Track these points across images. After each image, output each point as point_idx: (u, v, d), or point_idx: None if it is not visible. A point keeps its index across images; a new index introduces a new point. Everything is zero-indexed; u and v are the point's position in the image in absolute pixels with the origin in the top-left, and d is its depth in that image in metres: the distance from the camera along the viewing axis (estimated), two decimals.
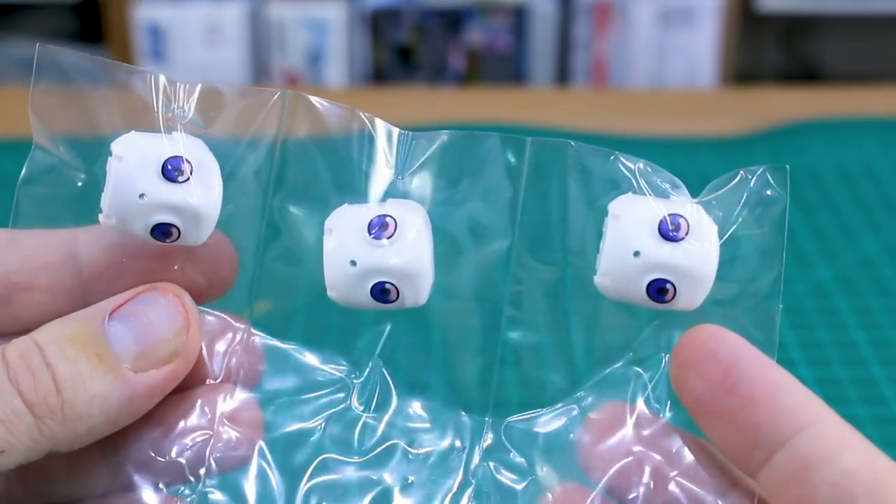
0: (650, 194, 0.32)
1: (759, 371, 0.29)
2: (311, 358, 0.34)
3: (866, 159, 0.76)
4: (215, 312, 0.34)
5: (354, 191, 0.33)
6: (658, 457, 0.32)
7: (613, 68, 1.62)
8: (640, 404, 0.33)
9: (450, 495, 0.33)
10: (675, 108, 0.88)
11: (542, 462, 0.33)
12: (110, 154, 0.31)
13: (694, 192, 0.33)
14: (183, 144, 0.31)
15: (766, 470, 0.29)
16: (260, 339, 0.34)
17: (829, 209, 0.71)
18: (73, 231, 0.33)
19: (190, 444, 0.32)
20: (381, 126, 0.33)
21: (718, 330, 0.30)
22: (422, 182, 0.33)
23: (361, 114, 0.33)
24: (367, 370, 0.34)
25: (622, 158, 0.32)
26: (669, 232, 0.31)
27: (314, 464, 0.33)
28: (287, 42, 1.58)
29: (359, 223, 0.32)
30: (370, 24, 1.60)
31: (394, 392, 0.34)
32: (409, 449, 0.34)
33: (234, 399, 0.33)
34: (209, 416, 0.33)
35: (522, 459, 0.33)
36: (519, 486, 0.33)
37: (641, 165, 0.32)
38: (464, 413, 0.34)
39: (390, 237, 0.32)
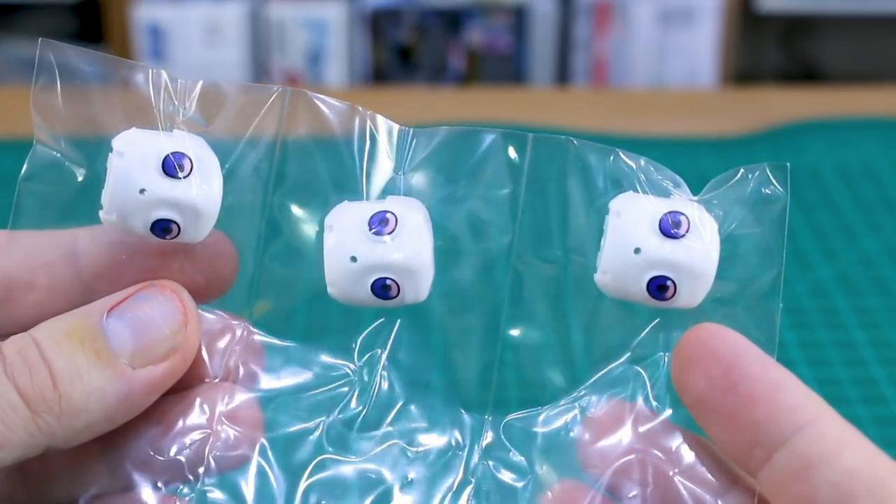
0: (651, 192, 0.32)
1: (759, 370, 0.29)
2: (310, 357, 0.34)
3: (866, 159, 0.76)
4: (215, 312, 0.34)
5: (354, 188, 0.33)
6: (658, 455, 0.32)
7: (613, 68, 1.62)
8: (640, 403, 0.33)
9: (450, 494, 0.33)
10: (675, 108, 0.88)
11: (542, 460, 0.33)
12: (111, 150, 0.31)
13: (694, 192, 0.33)
14: (183, 141, 0.32)
15: (767, 469, 0.29)
16: (260, 337, 0.34)
17: (829, 209, 0.71)
18: (72, 231, 0.33)
19: (189, 442, 0.32)
20: (381, 122, 0.33)
21: (719, 328, 0.30)
22: (422, 179, 0.33)
23: (361, 110, 0.33)
24: (367, 369, 0.34)
25: (623, 156, 0.32)
26: (670, 229, 0.31)
27: (314, 462, 0.33)
28: (287, 42, 1.58)
29: (359, 219, 0.32)
30: (370, 24, 1.60)
31: (394, 391, 0.34)
32: (408, 447, 0.34)
33: (234, 398, 0.33)
34: (208, 414, 0.33)
35: (522, 458, 0.33)
36: (519, 485, 0.33)
37: (642, 163, 0.32)
38: (464, 411, 0.34)
39: (391, 233, 0.32)
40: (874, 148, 0.77)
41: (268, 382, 0.34)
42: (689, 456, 0.31)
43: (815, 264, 0.65)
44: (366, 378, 0.34)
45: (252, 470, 0.33)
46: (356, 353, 0.34)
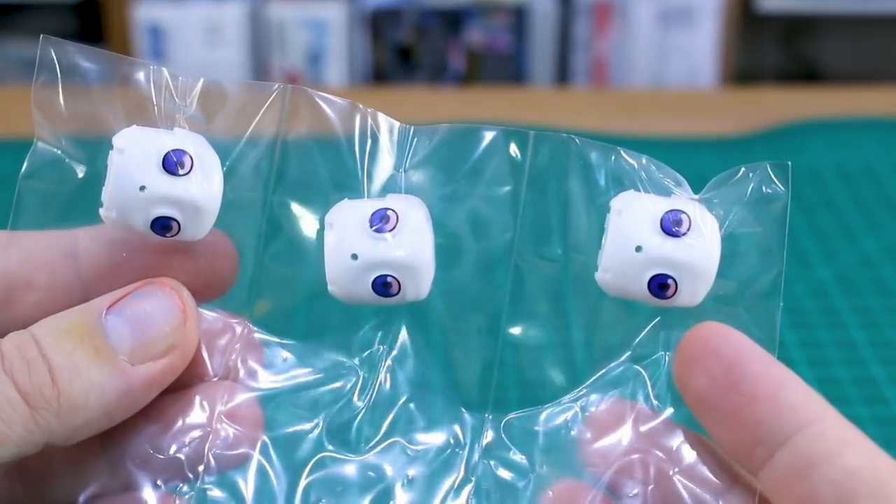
0: (652, 190, 0.32)
1: (761, 368, 0.29)
2: (311, 355, 0.34)
3: (866, 159, 0.76)
4: (215, 311, 0.34)
5: (355, 186, 0.33)
6: (659, 454, 0.32)
7: (613, 68, 1.62)
8: (641, 402, 0.33)
9: (450, 493, 0.33)
10: (675, 108, 0.88)
11: (543, 459, 0.33)
12: (112, 148, 0.31)
13: (694, 192, 0.33)
14: (184, 139, 0.32)
15: (768, 468, 0.29)
16: (260, 336, 0.34)
17: (829, 209, 0.71)
18: (72, 231, 0.33)
19: (189, 441, 0.32)
20: (382, 120, 0.33)
21: (721, 327, 0.30)
22: (422, 176, 0.33)
23: (362, 107, 0.33)
24: (368, 367, 0.34)
25: (625, 154, 0.32)
26: (672, 227, 0.31)
27: (314, 460, 0.33)
28: (287, 42, 1.58)
29: (360, 217, 0.32)
30: (370, 24, 1.60)
31: (394, 389, 0.34)
32: (409, 446, 0.34)
33: (234, 396, 0.33)
34: (208, 413, 0.33)
35: (523, 457, 0.33)
36: (519, 484, 0.33)
37: (644, 161, 0.32)
38: (464, 410, 0.34)
39: (392, 230, 0.32)
40: (874, 148, 0.77)
41: (268, 381, 0.34)
42: (690, 455, 0.31)
43: (815, 264, 0.65)
44: (366, 376, 0.34)
45: (252, 468, 0.33)
46: (356, 352, 0.34)
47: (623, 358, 0.33)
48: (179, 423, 0.33)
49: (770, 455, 0.28)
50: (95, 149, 0.32)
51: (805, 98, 0.91)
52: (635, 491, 0.31)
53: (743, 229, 0.32)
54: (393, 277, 0.32)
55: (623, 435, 0.32)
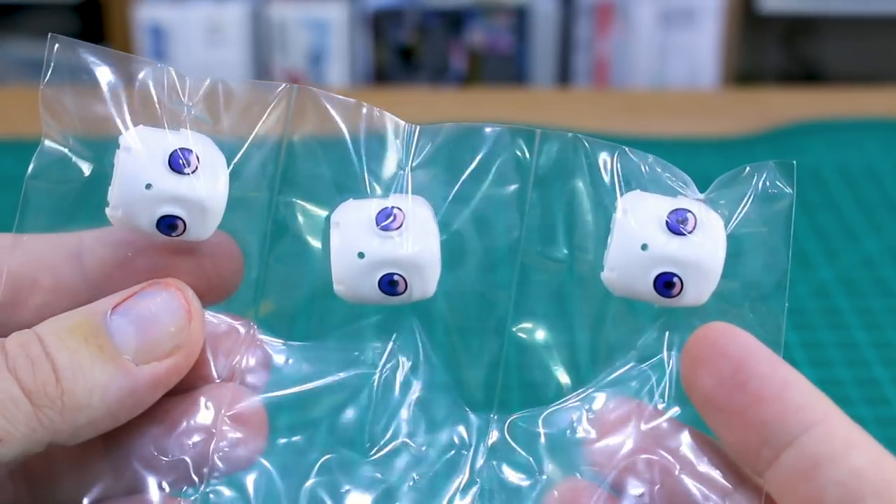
0: (657, 190, 0.32)
1: (768, 369, 0.29)
2: (315, 357, 0.34)
3: (868, 160, 0.76)
4: (220, 313, 0.34)
5: (360, 185, 0.33)
6: (665, 454, 0.32)
7: (615, 69, 1.62)
8: (646, 402, 0.33)
9: (456, 494, 0.33)
10: (677, 109, 0.88)
11: (548, 459, 0.33)
12: (118, 147, 0.31)
13: (698, 192, 0.33)
14: (190, 139, 0.32)
15: (774, 468, 0.29)
16: (265, 338, 0.34)
17: (831, 210, 0.71)
18: (78, 234, 0.33)
19: (194, 443, 0.32)
20: (387, 119, 0.33)
21: (728, 327, 0.30)
22: (428, 175, 0.33)
23: (367, 107, 0.33)
24: (373, 369, 0.34)
25: (630, 153, 0.32)
26: (677, 226, 0.31)
27: (319, 463, 0.33)
28: (288, 42, 1.58)
29: (366, 216, 0.32)
30: (371, 25, 1.60)
31: (399, 390, 0.34)
32: (414, 447, 0.34)
33: (239, 399, 0.33)
34: (213, 415, 0.33)
35: (528, 457, 0.33)
36: (525, 484, 0.33)
37: (650, 161, 0.32)
38: (469, 411, 0.34)
39: (398, 228, 0.32)
40: (876, 149, 0.77)
41: (272, 383, 0.34)
42: (695, 455, 0.31)
43: (817, 265, 0.65)
44: (371, 378, 0.34)
45: (256, 471, 0.33)
46: (361, 353, 0.34)
47: (628, 358, 0.33)
48: (184, 424, 0.32)
49: (776, 455, 0.29)
50: (102, 148, 0.32)
51: (806, 99, 0.91)
52: (641, 491, 0.31)
53: (748, 229, 0.32)
54: (400, 276, 0.32)
55: (628, 435, 0.32)
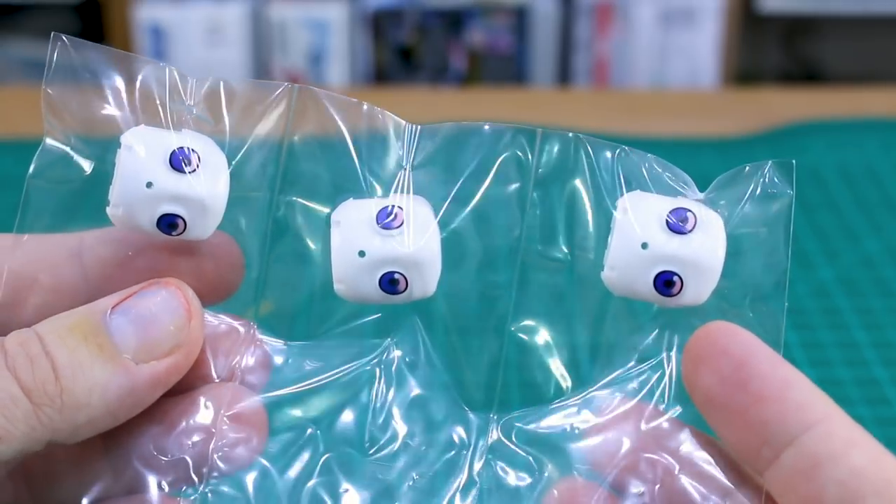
0: (658, 189, 0.32)
1: (769, 368, 0.29)
2: (315, 357, 0.34)
3: (867, 160, 0.76)
4: (220, 313, 0.34)
5: (360, 185, 0.33)
6: (665, 453, 0.32)
7: (614, 69, 1.62)
8: (647, 401, 0.33)
9: (456, 493, 0.33)
10: (677, 109, 0.88)
11: (548, 459, 0.33)
12: (119, 147, 0.31)
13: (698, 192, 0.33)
14: (191, 138, 0.32)
15: (775, 467, 0.29)
16: (265, 338, 0.34)
17: (831, 210, 0.71)
18: (78, 234, 0.33)
19: (193, 442, 0.32)
20: (388, 119, 0.33)
21: (730, 326, 0.30)
22: (428, 175, 0.33)
23: (368, 106, 0.33)
24: (373, 368, 0.34)
25: (631, 153, 0.32)
26: (677, 225, 0.31)
27: (319, 462, 0.33)
28: (288, 42, 1.58)
29: (367, 214, 0.32)
30: (371, 25, 1.60)
31: (399, 390, 0.34)
32: (414, 447, 0.34)
33: (239, 398, 0.33)
34: (213, 415, 0.33)
35: (527, 457, 0.33)
36: (524, 484, 0.33)
37: (651, 161, 0.32)
38: (469, 411, 0.34)
39: (399, 227, 0.32)
40: (875, 149, 0.77)
41: (272, 383, 0.34)
42: (696, 454, 0.31)
43: (816, 265, 0.65)
44: (371, 378, 0.34)
45: (256, 470, 0.33)
46: (361, 353, 0.34)
47: (628, 358, 0.33)
48: (183, 424, 0.32)
49: (776, 455, 0.29)
50: (103, 147, 0.32)
51: (806, 99, 0.91)
52: (641, 490, 0.31)
53: (747, 229, 0.32)
54: (400, 274, 0.32)
55: (629, 434, 0.32)
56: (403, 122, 0.33)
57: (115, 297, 0.31)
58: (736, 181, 0.32)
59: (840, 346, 0.59)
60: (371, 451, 0.34)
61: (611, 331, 0.34)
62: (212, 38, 1.56)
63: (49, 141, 0.32)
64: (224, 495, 0.32)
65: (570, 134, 0.33)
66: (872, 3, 1.66)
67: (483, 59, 1.63)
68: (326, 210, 0.33)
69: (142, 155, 0.31)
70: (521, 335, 0.34)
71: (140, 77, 0.32)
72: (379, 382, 0.34)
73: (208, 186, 0.31)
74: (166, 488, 0.32)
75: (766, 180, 0.32)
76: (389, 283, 0.32)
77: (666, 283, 0.31)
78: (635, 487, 0.32)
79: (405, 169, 0.33)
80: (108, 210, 0.31)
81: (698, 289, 0.32)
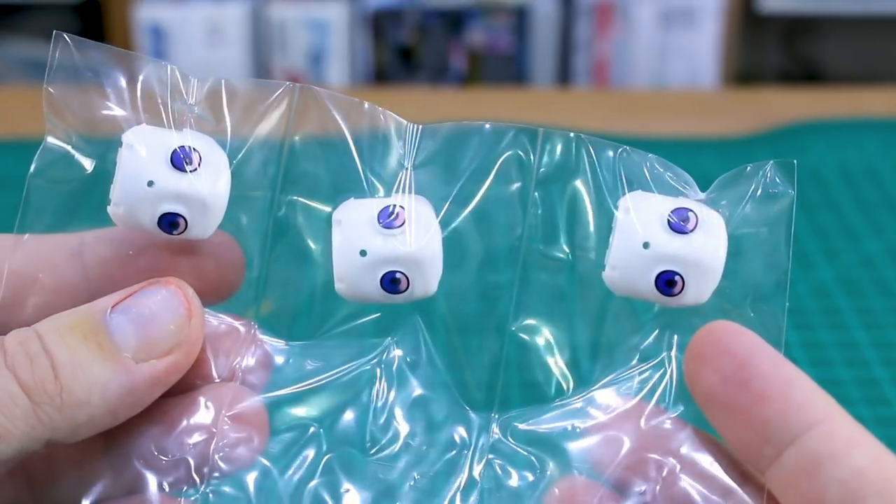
0: (659, 189, 0.32)
1: (771, 368, 0.29)
2: (316, 357, 0.34)
3: (868, 160, 0.76)
4: (220, 313, 0.34)
5: (361, 184, 0.33)
6: (666, 452, 0.32)
7: (615, 69, 1.62)
8: (648, 401, 0.33)
9: (457, 493, 0.33)
10: (677, 109, 0.88)
11: (549, 458, 0.33)
12: (121, 145, 0.31)
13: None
14: (192, 137, 0.32)
15: (776, 466, 0.29)
16: (266, 338, 0.34)
17: (831, 210, 0.71)
18: (79, 234, 0.33)
19: (194, 443, 0.32)
20: (389, 118, 0.33)
21: (733, 326, 0.30)
22: (429, 174, 0.33)
23: (369, 105, 0.33)
24: (374, 368, 0.34)
25: (633, 153, 0.32)
26: (678, 225, 0.31)
27: (320, 463, 0.33)
28: (288, 42, 1.58)
29: (368, 214, 0.32)
30: (371, 25, 1.60)
31: (400, 390, 0.34)
32: (415, 447, 0.34)
33: (240, 398, 0.33)
34: (213, 414, 0.33)
35: (528, 456, 0.33)
36: (525, 483, 0.33)
37: (652, 160, 0.32)
38: (470, 410, 0.34)
39: (400, 226, 0.32)
40: (876, 149, 0.77)
41: (273, 383, 0.34)
42: (697, 453, 0.31)
43: (817, 265, 0.65)
44: (372, 378, 0.34)
45: (257, 470, 0.33)
46: (362, 353, 0.34)
47: (629, 357, 0.33)
48: (184, 424, 0.32)
49: (778, 454, 0.29)
50: (105, 146, 0.32)
51: (806, 99, 0.91)
52: (642, 488, 0.31)
53: (748, 229, 0.32)
54: (402, 273, 0.32)
55: (630, 433, 0.32)
56: (405, 122, 0.33)
57: (116, 297, 0.31)
58: (737, 181, 0.32)
59: (840, 346, 0.59)
60: (372, 451, 0.34)
61: (612, 330, 0.34)
62: (212, 38, 1.56)
63: (50, 140, 0.32)
64: (225, 495, 0.32)
65: (572, 134, 0.33)
66: (872, 3, 1.66)
67: (483, 59, 1.63)
68: (327, 210, 0.33)
69: (143, 154, 0.31)
70: (522, 335, 0.34)
71: (142, 76, 0.32)
72: (380, 382, 0.34)
73: (209, 185, 0.31)
74: (167, 488, 0.32)
75: (768, 180, 0.32)
76: (391, 282, 0.32)
77: (667, 282, 0.31)
78: (636, 486, 0.32)
79: (406, 168, 0.33)
80: (110, 209, 0.31)
81: (699, 288, 0.32)
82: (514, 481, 0.33)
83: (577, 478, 0.32)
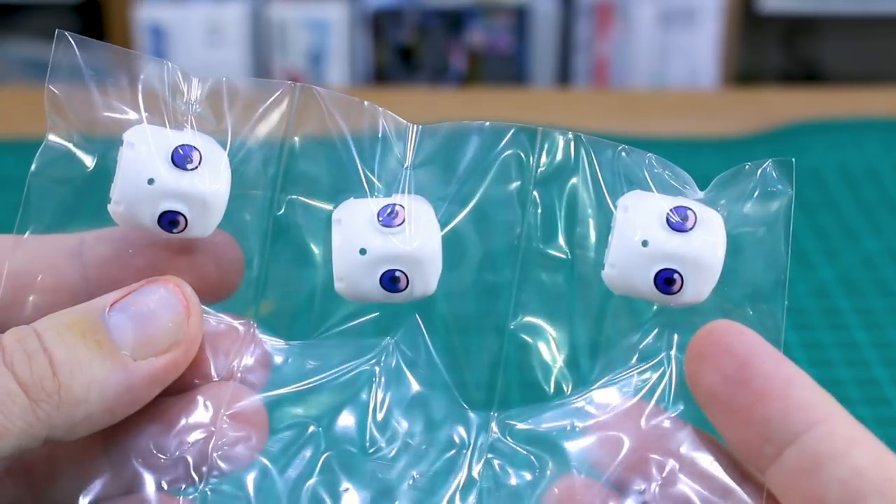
0: (658, 188, 0.32)
1: (772, 367, 0.29)
2: (315, 356, 0.34)
3: (868, 160, 0.76)
4: (220, 312, 0.34)
5: (361, 184, 0.33)
6: (666, 451, 0.32)
7: (615, 69, 1.62)
8: (647, 400, 0.33)
9: (456, 492, 0.33)
10: (677, 109, 0.88)
11: (548, 458, 0.33)
12: (122, 143, 0.31)
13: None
14: (193, 136, 0.32)
15: (776, 465, 0.29)
16: (265, 337, 0.34)
17: (831, 210, 0.71)
18: (79, 234, 0.33)
19: (193, 441, 0.32)
20: (388, 118, 0.33)
21: (734, 325, 0.30)
22: (428, 174, 0.33)
23: (369, 105, 0.33)
24: (373, 368, 0.34)
25: (632, 153, 0.32)
26: (677, 223, 0.31)
27: (319, 462, 0.33)
28: (288, 42, 1.58)
29: (368, 212, 0.32)
30: (371, 25, 1.60)
31: (399, 389, 0.34)
32: (414, 446, 0.34)
33: (239, 397, 0.33)
34: (212, 413, 0.33)
35: (528, 456, 0.33)
36: (524, 482, 0.33)
37: (651, 160, 0.32)
38: (469, 410, 0.34)
39: (400, 224, 0.32)
40: (876, 149, 0.77)
41: (272, 382, 0.34)
42: (697, 452, 0.31)
43: (816, 265, 0.65)
44: (371, 377, 0.34)
45: (256, 469, 0.33)
46: (361, 353, 0.34)
47: (629, 357, 0.33)
48: (183, 423, 0.32)
49: (778, 453, 0.29)
50: (105, 146, 0.32)
51: (806, 99, 0.91)
52: (642, 488, 0.31)
53: (747, 228, 0.32)
54: (401, 272, 0.32)
55: (629, 432, 0.32)
56: (404, 122, 0.33)
57: (114, 295, 0.31)
58: (736, 180, 0.32)
59: (840, 346, 0.59)
60: (371, 451, 0.34)
61: (611, 329, 0.34)
62: (212, 38, 1.56)
63: (52, 138, 0.32)
64: (224, 494, 0.32)
65: (571, 133, 0.33)
66: (872, 3, 1.66)
67: (483, 59, 1.63)
68: (327, 209, 0.33)
69: (144, 152, 0.31)
70: (521, 334, 0.34)
71: (143, 75, 0.32)
72: (379, 381, 0.34)
73: (210, 184, 0.31)
74: (166, 487, 0.32)
75: (766, 179, 0.32)
76: (390, 280, 0.32)
77: (666, 280, 0.31)
78: (636, 486, 0.32)
79: (406, 168, 0.33)
80: (110, 207, 0.31)
81: (698, 287, 0.32)
82: (513, 480, 0.33)
83: (576, 477, 0.32)
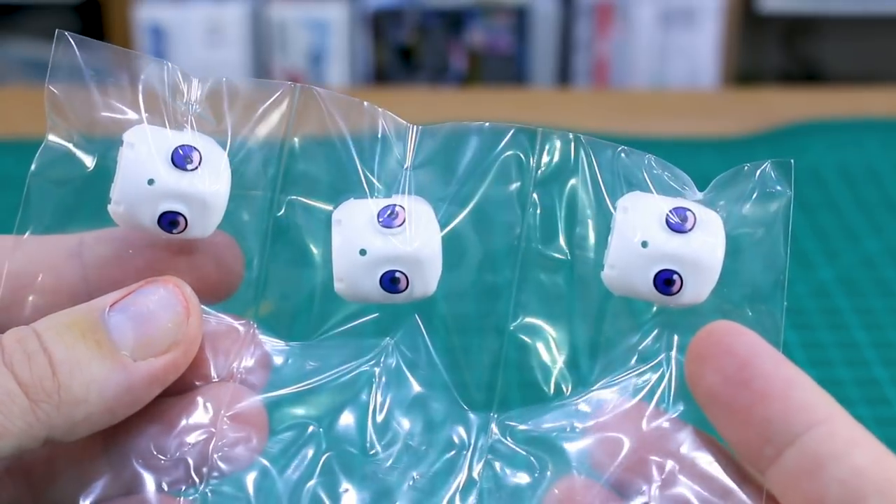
0: (657, 189, 0.32)
1: (772, 368, 0.29)
2: (315, 357, 0.34)
3: (868, 160, 0.76)
4: (219, 313, 0.34)
5: (361, 184, 0.33)
6: (665, 452, 0.32)
7: (615, 69, 1.62)
8: (647, 401, 0.33)
9: (456, 493, 0.33)
10: (677, 109, 0.88)
11: (548, 458, 0.33)
12: (122, 144, 0.31)
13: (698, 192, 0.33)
14: (193, 137, 0.32)
15: (776, 466, 0.29)
16: (265, 338, 0.34)
17: (831, 210, 0.71)
18: (78, 234, 0.33)
19: (193, 442, 0.32)
20: (388, 119, 0.33)
21: (734, 326, 0.30)
22: (428, 175, 0.33)
23: (369, 106, 0.33)
24: (373, 369, 0.34)
25: (632, 153, 0.32)
26: (677, 224, 0.31)
27: (319, 463, 0.33)
28: (288, 42, 1.58)
29: (368, 213, 0.32)
30: (371, 25, 1.60)
31: (399, 390, 0.34)
32: (414, 447, 0.34)
33: (239, 398, 0.33)
34: (212, 414, 0.33)
35: (528, 456, 0.33)
36: (525, 483, 0.33)
37: (650, 161, 0.32)
38: (469, 410, 0.34)
39: (400, 226, 0.32)
40: (876, 148, 0.77)
41: (272, 383, 0.34)
42: (697, 453, 0.31)
43: (816, 265, 0.65)
44: (371, 378, 0.34)
45: (256, 470, 0.33)
46: (361, 353, 0.34)
47: (628, 357, 0.33)
48: (183, 424, 0.32)
49: (778, 454, 0.29)
50: (105, 146, 0.32)
51: (806, 99, 0.91)
52: (642, 489, 0.31)
53: (746, 228, 0.32)
54: (401, 273, 0.32)
55: (629, 433, 0.32)
56: (404, 123, 0.33)
57: (114, 295, 0.31)
58: (735, 181, 0.32)
59: (840, 346, 0.59)
60: (371, 451, 0.34)
61: (611, 330, 0.34)
62: (212, 38, 1.56)
63: (51, 138, 0.33)
64: (224, 495, 0.32)
65: (571, 134, 0.33)
66: (872, 3, 1.66)
67: (483, 59, 1.63)
68: (327, 209, 0.33)
69: (144, 152, 0.31)
70: (521, 335, 0.34)
71: (143, 75, 0.32)
72: (379, 382, 0.34)
73: (210, 184, 0.31)
74: (166, 488, 0.32)
75: (765, 180, 0.32)
76: (390, 281, 0.32)
77: (666, 281, 0.31)
78: (636, 487, 0.32)
79: (406, 169, 0.33)
80: (110, 207, 0.31)
81: (698, 288, 0.32)
82: (513, 481, 0.33)
83: (576, 478, 0.32)
